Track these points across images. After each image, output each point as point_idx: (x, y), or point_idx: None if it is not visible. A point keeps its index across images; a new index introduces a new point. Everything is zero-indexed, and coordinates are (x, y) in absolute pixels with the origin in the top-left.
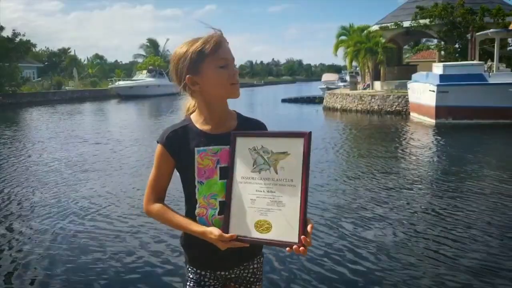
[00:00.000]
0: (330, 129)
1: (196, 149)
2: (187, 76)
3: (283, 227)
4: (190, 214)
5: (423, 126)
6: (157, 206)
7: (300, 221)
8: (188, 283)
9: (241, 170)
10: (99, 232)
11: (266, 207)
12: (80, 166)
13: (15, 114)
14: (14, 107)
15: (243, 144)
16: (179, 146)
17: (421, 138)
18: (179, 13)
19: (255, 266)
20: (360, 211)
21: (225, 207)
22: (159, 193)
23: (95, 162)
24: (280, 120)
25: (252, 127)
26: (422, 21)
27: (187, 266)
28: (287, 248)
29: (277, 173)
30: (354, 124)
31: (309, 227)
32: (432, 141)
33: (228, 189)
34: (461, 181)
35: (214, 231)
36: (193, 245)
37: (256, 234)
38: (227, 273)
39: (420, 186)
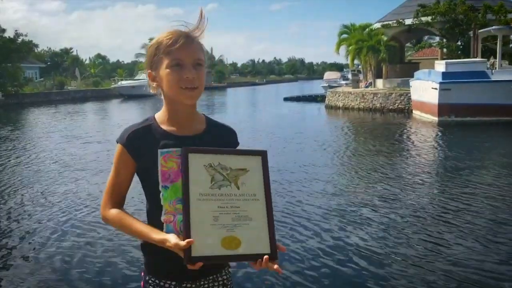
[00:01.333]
0: (332, 128)
1: (159, 150)
2: (148, 71)
3: (253, 240)
4: (155, 221)
5: (425, 124)
6: (114, 212)
7: (270, 233)
8: None
9: (198, 187)
10: (90, 234)
11: (232, 223)
12: (80, 165)
13: (18, 115)
14: (17, 108)
15: (196, 161)
16: (141, 147)
17: (423, 136)
18: (181, 12)
19: (224, 277)
20: (361, 210)
21: (184, 227)
22: (117, 198)
23: (95, 161)
24: (283, 119)
25: (222, 133)
26: (424, 19)
27: (147, 278)
28: (258, 260)
29: (238, 188)
30: (356, 122)
31: (279, 249)
32: (435, 139)
33: (186, 208)
34: (464, 179)
35: (171, 239)
36: (157, 252)
37: (224, 251)
38: (193, 286)
39: (422, 184)
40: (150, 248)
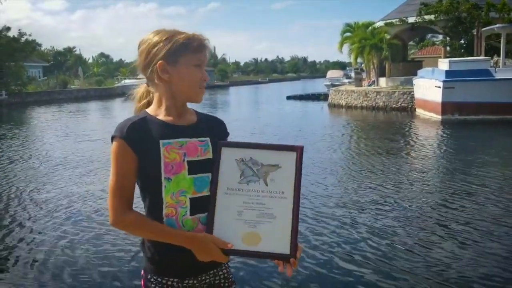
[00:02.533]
0: (335, 126)
1: (161, 141)
2: (160, 61)
3: (274, 239)
4: (155, 217)
5: (429, 122)
6: (134, 215)
7: (292, 233)
8: None
9: (227, 181)
10: (92, 234)
11: (255, 219)
12: (83, 164)
13: (21, 113)
14: (20, 106)
15: (229, 155)
16: (141, 139)
17: (427, 135)
18: (183, 11)
19: (225, 271)
20: (361, 208)
21: (208, 219)
22: (127, 199)
23: (98, 160)
24: (286, 118)
25: (213, 123)
26: (427, 17)
27: (149, 276)
28: (276, 262)
29: (267, 185)
30: (359, 120)
31: (298, 252)
32: (439, 138)
33: (212, 200)
34: (468, 178)
35: (212, 238)
36: (159, 251)
37: (243, 247)
38: (195, 281)
39: (426, 183)
40: (152, 247)
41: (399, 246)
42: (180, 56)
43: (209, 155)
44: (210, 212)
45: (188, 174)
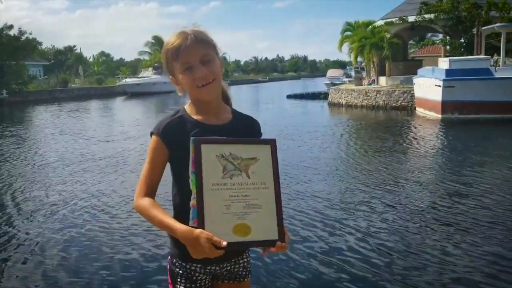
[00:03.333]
0: (335, 125)
1: (191, 138)
2: (170, 76)
3: (263, 227)
4: (183, 207)
5: (429, 121)
6: (145, 201)
7: (278, 219)
8: (178, 279)
9: (210, 177)
10: (98, 230)
11: (243, 211)
12: (85, 163)
13: (22, 112)
14: (21, 105)
15: (209, 151)
16: (175, 136)
17: (427, 134)
18: (184, 10)
19: (245, 260)
20: (361, 208)
21: (198, 217)
22: (151, 188)
23: (102, 159)
24: (285, 116)
25: (247, 122)
26: (427, 16)
27: (175, 261)
28: (270, 249)
29: (249, 177)
30: (360, 119)
31: (286, 237)
32: (439, 137)
33: (199, 197)
34: (467, 178)
35: (207, 235)
36: None
37: (235, 239)
38: (217, 268)
39: (425, 182)
40: None
41: (395, 247)
42: (171, 67)
43: None
44: (199, 209)
45: None
